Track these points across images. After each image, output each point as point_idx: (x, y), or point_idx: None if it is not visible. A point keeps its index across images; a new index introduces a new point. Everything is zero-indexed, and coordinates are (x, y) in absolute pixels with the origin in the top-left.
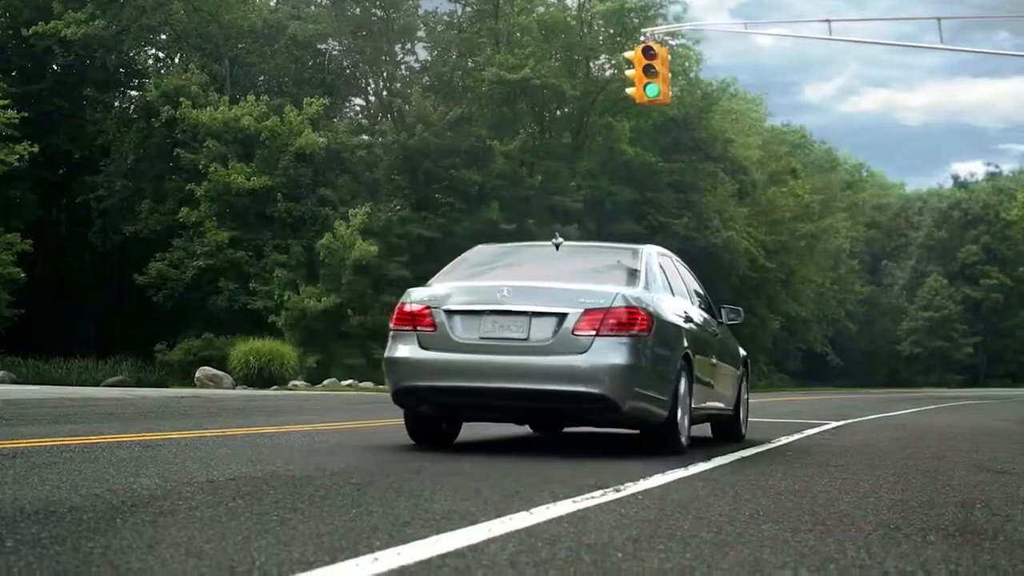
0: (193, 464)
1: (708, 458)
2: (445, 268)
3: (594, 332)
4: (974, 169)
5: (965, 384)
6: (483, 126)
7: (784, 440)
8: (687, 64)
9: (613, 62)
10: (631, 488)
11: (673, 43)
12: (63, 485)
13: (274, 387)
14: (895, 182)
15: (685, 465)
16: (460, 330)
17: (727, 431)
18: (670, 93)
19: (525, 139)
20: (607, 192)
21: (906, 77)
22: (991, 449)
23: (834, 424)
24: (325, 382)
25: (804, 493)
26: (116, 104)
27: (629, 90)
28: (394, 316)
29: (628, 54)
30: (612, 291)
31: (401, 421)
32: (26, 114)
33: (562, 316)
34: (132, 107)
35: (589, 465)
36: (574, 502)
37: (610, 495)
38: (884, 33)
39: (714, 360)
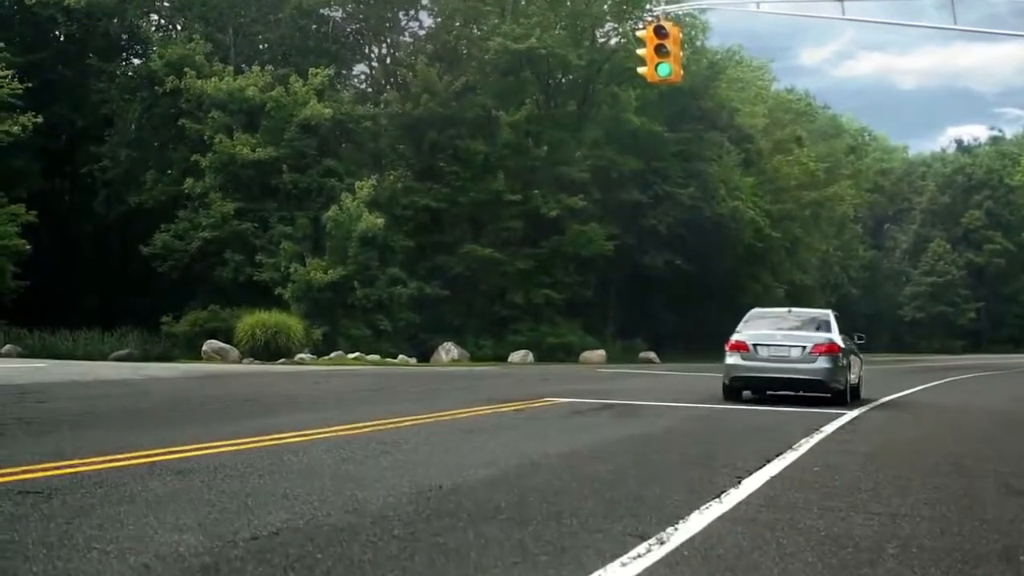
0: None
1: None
2: (743, 321)
3: (817, 354)
4: (971, 133)
5: (967, 349)
6: (488, 96)
7: (804, 444)
8: (693, 33)
9: (619, 30)
10: (674, 537)
11: (680, 12)
12: (93, 552)
13: (281, 360)
14: (898, 145)
15: (719, 498)
16: (760, 352)
17: (855, 392)
18: (681, 72)
19: (530, 109)
20: (612, 162)
21: (902, 41)
22: (1013, 455)
23: (849, 416)
24: (332, 355)
25: (846, 541)
26: (119, 73)
27: (641, 69)
28: (729, 344)
29: (640, 33)
30: (822, 337)
31: None
32: (29, 84)
33: (804, 347)
34: (135, 76)
35: (622, 503)
36: (623, 566)
37: (655, 550)
38: (895, 8)
39: (853, 359)
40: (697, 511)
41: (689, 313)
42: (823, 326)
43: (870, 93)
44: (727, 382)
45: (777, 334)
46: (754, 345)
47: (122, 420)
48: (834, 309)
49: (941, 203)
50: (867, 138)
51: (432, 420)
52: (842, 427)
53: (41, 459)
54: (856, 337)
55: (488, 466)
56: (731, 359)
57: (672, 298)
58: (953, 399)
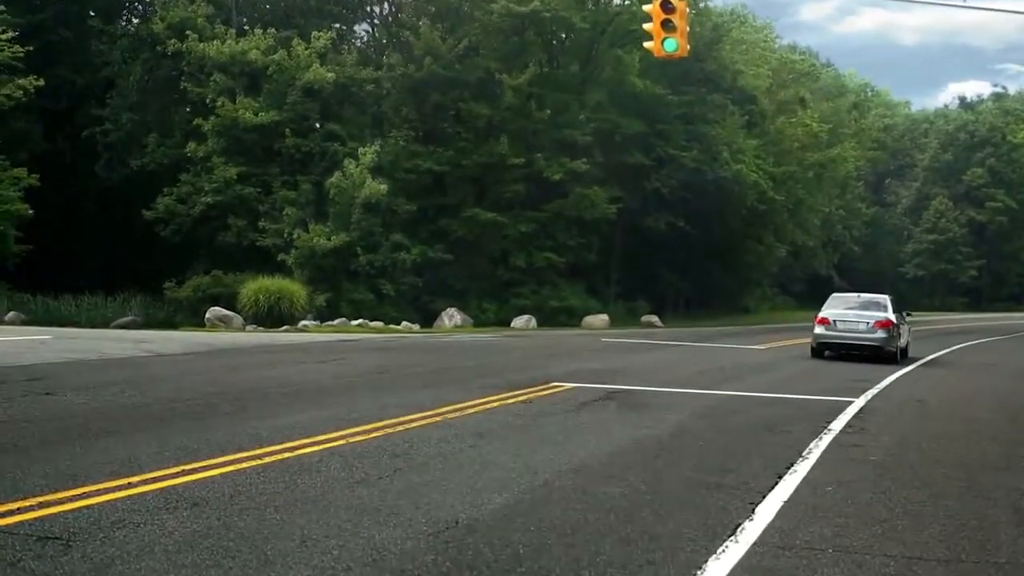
0: None
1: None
2: (826, 304)
3: (878, 327)
4: (972, 89)
5: (968, 307)
6: (491, 58)
7: (814, 449)
8: None
9: None
10: None
11: None
12: None
13: (284, 327)
14: (900, 100)
15: (735, 536)
16: (837, 325)
17: (904, 352)
18: (688, 47)
19: (533, 71)
20: (616, 124)
21: None
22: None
23: (857, 407)
24: (335, 322)
25: None
26: (120, 35)
27: (647, 44)
28: (816, 319)
29: (646, 7)
30: (881, 315)
31: None
32: (30, 48)
33: (868, 322)
34: (136, 38)
35: (638, 544)
36: None
37: None
38: None
39: (903, 328)
40: (714, 556)
41: (691, 274)
42: (882, 307)
43: (871, 49)
44: (815, 345)
45: (849, 313)
46: (833, 320)
47: (130, 422)
48: (836, 267)
49: (943, 160)
50: (869, 94)
51: (440, 419)
52: (849, 425)
53: (55, 483)
54: (905, 314)
55: (502, 490)
56: (818, 329)
57: (674, 259)
58: (963, 392)
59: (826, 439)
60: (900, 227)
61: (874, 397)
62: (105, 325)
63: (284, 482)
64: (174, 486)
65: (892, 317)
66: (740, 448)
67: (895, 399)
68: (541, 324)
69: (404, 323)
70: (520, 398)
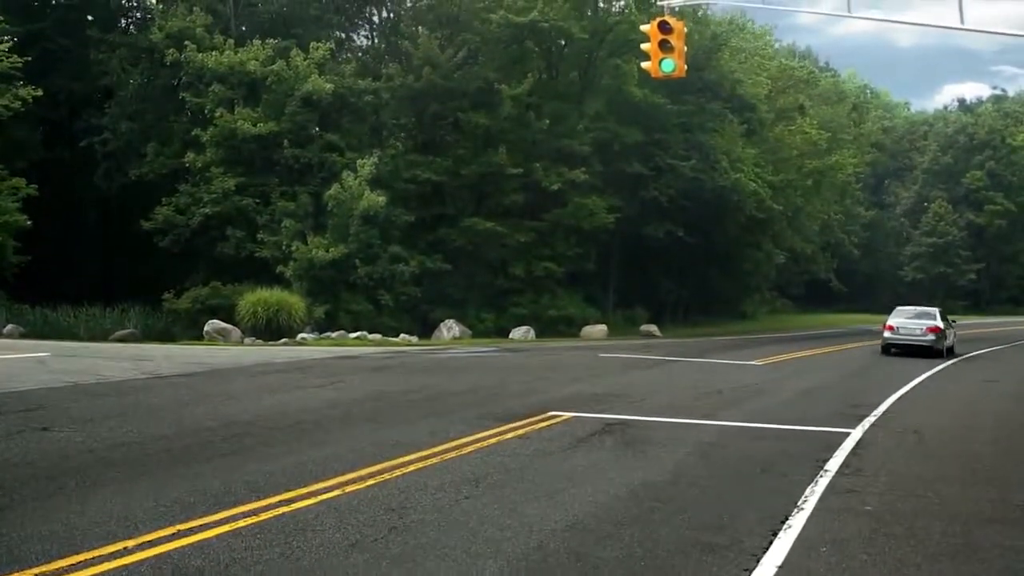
0: None
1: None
2: (891, 315)
3: (930, 332)
4: (969, 91)
5: (968, 310)
6: (490, 68)
7: (810, 497)
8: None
9: (623, 3)
10: None
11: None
12: None
13: (283, 340)
14: (899, 102)
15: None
16: (899, 331)
17: (951, 350)
18: (685, 67)
19: (532, 81)
20: (614, 134)
21: None
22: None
23: (854, 440)
24: (334, 334)
25: None
26: (119, 44)
27: (644, 64)
28: (885, 326)
29: (644, 27)
30: (932, 323)
31: None
32: (28, 58)
33: (922, 328)
34: (135, 47)
35: None
36: None
37: None
38: None
39: (949, 331)
40: None
41: (690, 281)
42: (932, 317)
43: (868, 50)
44: (883, 345)
45: (908, 321)
46: (897, 327)
47: (127, 467)
48: (835, 271)
49: (943, 163)
50: (869, 95)
51: (437, 460)
52: (846, 464)
53: (52, 549)
54: (952, 321)
55: (496, 554)
56: (886, 334)
57: (673, 267)
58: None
59: (822, 483)
60: (899, 229)
61: (872, 426)
62: (104, 337)
63: (280, 546)
64: (169, 552)
65: (940, 324)
66: (736, 496)
67: (893, 429)
68: (540, 334)
69: (403, 335)
70: (518, 431)
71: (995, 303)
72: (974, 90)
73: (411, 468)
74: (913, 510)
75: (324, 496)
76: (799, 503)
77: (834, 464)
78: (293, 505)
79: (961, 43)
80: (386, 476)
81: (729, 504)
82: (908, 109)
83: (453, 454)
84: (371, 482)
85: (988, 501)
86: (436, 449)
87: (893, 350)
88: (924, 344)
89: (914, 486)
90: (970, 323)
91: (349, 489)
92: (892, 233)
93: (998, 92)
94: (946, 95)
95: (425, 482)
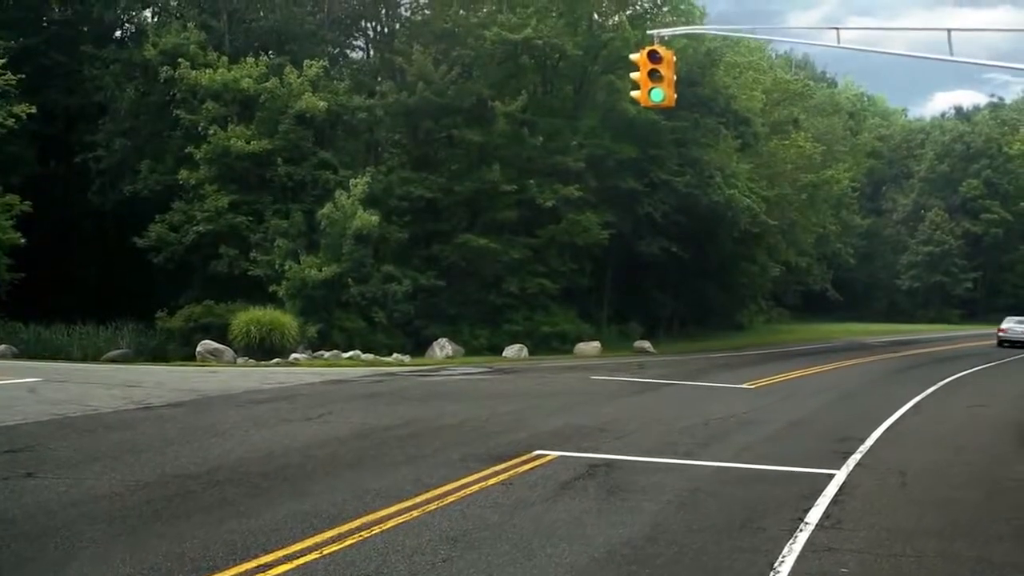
0: None
1: None
2: (1003, 321)
3: None
4: (960, 99)
5: (964, 319)
6: (484, 84)
7: (787, 559)
8: (691, 20)
9: (616, 20)
10: None
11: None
12: None
13: (275, 360)
14: (896, 108)
15: None
16: (1009, 332)
17: None
18: (675, 96)
19: (526, 99)
20: (608, 150)
21: (891, 5)
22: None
23: (837, 484)
24: (327, 354)
25: None
26: (113, 60)
27: (634, 93)
28: (999, 329)
29: (633, 57)
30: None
31: None
32: (23, 75)
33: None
34: (129, 64)
35: None
36: None
37: None
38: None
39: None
40: None
41: (685, 294)
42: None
43: (859, 57)
44: (999, 341)
45: (1016, 326)
46: (1008, 328)
47: (107, 524)
48: (831, 280)
49: (939, 171)
50: (865, 102)
51: (419, 512)
52: (827, 514)
53: None
54: None
55: None
56: (1000, 334)
57: (667, 281)
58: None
59: (801, 539)
60: (895, 237)
61: (857, 465)
62: (97, 357)
63: None
64: None
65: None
66: (713, 556)
67: (877, 470)
68: (534, 351)
69: (395, 355)
70: (502, 475)
71: (992, 311)
72: (966, 97)
73: (391, 524)
74: (891, 570)
75: (301, 560)
76: (775, 565)
77: (815, 515)
78: (269, 572)
79: (953, 50)
80: (365, 534)
81: (707, 566)
82: (905, 116)
83: (434, 505)
84: (350, 541)
85: (965, 561)
86: (418, 500)
87: (1006, 344)
88: None
89: (893, 542)
90: (962, 334)
91: (327, 551)
92: (889, 241)
93: (995, 100)
94: (938, 102)
95: (404, 541)
